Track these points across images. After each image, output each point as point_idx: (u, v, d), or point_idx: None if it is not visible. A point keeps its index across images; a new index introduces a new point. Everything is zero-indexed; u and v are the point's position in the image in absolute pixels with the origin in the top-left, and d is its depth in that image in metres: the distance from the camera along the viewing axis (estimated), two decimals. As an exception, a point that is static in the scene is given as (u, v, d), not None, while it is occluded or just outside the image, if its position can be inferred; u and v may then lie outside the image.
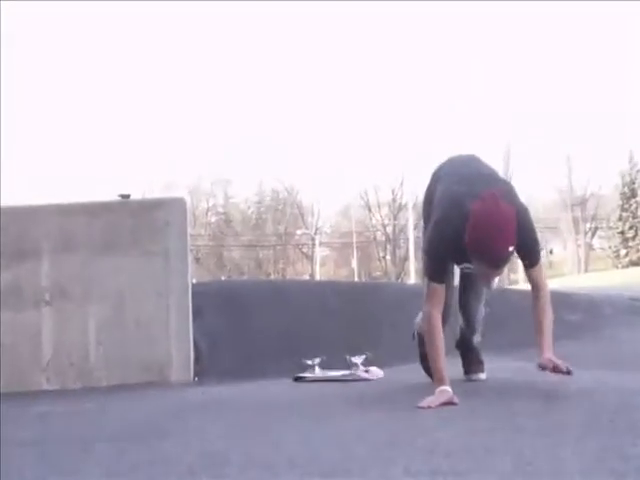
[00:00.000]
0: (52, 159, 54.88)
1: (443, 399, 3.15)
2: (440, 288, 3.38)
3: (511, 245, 3.11)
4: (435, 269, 3.41)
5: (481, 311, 4.01)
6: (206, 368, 5.53)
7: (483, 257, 3.14)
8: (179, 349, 5.34)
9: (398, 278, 43.56)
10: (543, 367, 3.15)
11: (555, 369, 3.13)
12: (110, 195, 5.82)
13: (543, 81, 57.10)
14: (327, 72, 59.80)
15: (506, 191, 3.36)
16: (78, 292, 5.36)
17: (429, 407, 3.10)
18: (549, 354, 3.19)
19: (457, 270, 3.66)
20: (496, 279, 3.67)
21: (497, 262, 3.17)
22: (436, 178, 3.66)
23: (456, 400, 3.15)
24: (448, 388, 3.20)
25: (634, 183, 44.87)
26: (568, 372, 3.11)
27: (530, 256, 3.38)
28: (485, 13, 58.59)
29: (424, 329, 3.48)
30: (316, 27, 60.83)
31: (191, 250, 7.76)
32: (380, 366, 4.73)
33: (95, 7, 54.67)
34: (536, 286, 3.39)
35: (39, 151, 55.76)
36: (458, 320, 4.00)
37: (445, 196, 3.45)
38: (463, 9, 57.91)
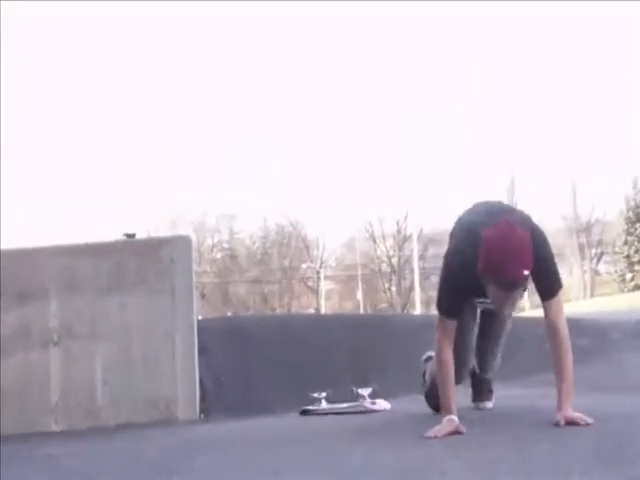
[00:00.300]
0: (53, 201, 54.93)
1: (450, 428, 3.15)
2: (450, 323, 3.31)
3: (526, 269, 2.99)
4: (446, 301, 3.35)
5: (497, 359, 3.94)
6: (212, 405, 5.51)
7: (496, 279, 3.02)
8: (185, 387, 5.32)
9: (404, 309, 43.38)
10: (558, 424, 3.06)
11: (572, 423, 3.04)
12: (116, 234, 5.85)
13: (547, 108, 57.27)
14: (331, 103, 60.05)
15: (522, 217, 3.30)
16: (85, 332, 5.36)
17: (435, 437, 3.10)
18: (567, 411, 3.09)
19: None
20: (513, 307, 3.36)
21: (512, 284, 3.02)
22: (459, 222, 3.55)
23: (463, 429, 3.15)
24: (455, 417, 3.20)
25: (639, 207, 44.78)
26: (587, 424, 3.02)
27: (546, 281, 3.22)
28: (487, 40, 59.01)
29: (435, 363, 3.44)
30: (316, 55, 61.25)
31: (196, 287, 7.78)
32: (386, 398, 4.72)
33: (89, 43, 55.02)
34: (554, 330, 3.21)
35: (39, 193, 55.87)
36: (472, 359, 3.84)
37: (463, 228, 3.41)
38: (464, 36, 58.46)
